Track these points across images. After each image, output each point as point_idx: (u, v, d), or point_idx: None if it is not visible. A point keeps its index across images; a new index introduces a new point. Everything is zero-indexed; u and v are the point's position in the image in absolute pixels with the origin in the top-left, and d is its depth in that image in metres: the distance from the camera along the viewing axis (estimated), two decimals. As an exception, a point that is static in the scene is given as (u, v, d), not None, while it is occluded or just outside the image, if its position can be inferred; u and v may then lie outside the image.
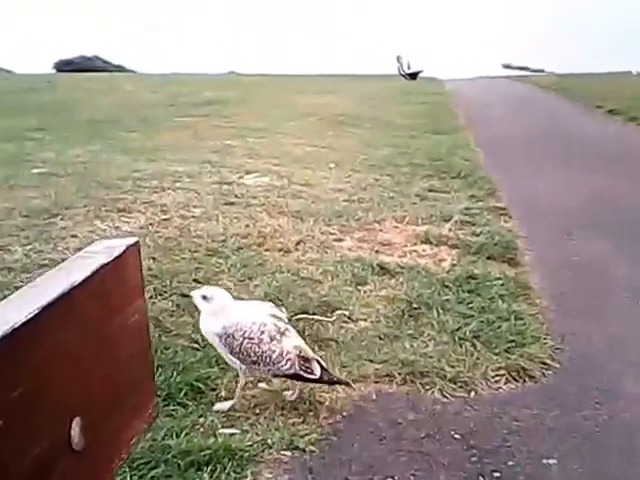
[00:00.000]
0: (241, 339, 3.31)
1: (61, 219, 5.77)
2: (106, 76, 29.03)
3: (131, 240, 1.61)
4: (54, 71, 38.37)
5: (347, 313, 4.21)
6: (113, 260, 1.41)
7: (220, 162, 8.29)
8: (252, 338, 3.32)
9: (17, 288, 3.86)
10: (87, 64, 40.81)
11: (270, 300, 4.32)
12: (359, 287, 4.59)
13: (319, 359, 3.39)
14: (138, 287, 1.63)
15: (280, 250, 5.23)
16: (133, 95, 18.31)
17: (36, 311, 1.07)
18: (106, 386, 1.28)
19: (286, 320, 3.54)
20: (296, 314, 4.16)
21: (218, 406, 3.30)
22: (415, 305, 4.29)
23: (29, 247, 5.14)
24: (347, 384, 3.47)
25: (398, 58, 29.93)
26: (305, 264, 4.98)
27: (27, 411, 1.03)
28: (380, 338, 3.90)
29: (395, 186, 7.33)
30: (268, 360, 3.33)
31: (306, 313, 4.20)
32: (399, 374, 3.50)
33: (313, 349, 3.75)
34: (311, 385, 3.36)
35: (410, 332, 3.97)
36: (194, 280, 4.62)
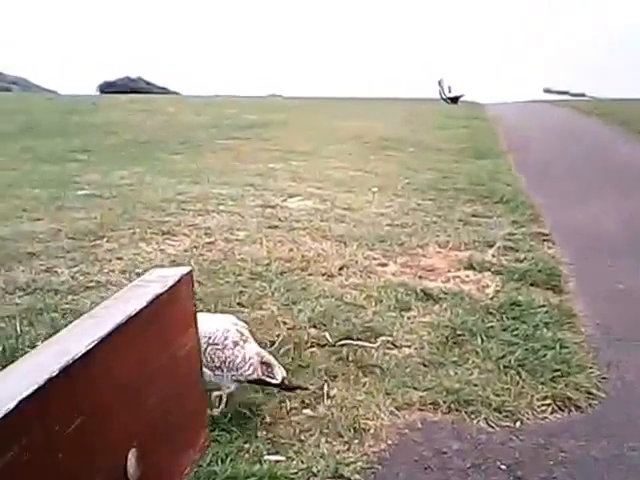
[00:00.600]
0: (205, 345, 3.40)
1: (107, 241, 5.86)
2: (149, 98, 29.52)
3: (185, 269, 1.62)
4: (98, 92, 39.10)
5: (391, 339, 4.19)
6: (168, 290, 1.42)
7: (263, 185, 8.35)
8: (217, 344, 3.43)
9: (63, 310, 3.93)
10: (131, 85, 41.59)
11: (314, 326, 4.34)
12: (403, 313, 4.57)
13: (280, 365, 3.48)
14: (191, 316, 1.64)
15: (324, 274, 5.23)
16: (176, 117, 18.57)
17: (94, 342, 1.08)
18: (161, 416, 1.29)
19: (247, 332, 3.60)
20: (340, 339, 4.15)
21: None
22: (459, 332, 4.25)
23: (75, 269, 5.22)
24: (305, 389, 3.58)
25: (439, 82, 29.90)
26: (349, 289, 4.97)
27: (85, 443, 1.04)
28: (424, 365, 3.87)
29: (438, 211, 7.29)
30: (232, 365, 3.42)
31: (350, 339, 4.19)
32: (444, 402, 3.46)
33: (357, 375, 3.76)
34: (355, 412, 3.34)
35: (454, 359, 3.93)
36: (238, 304, 4.65)
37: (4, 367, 2.87)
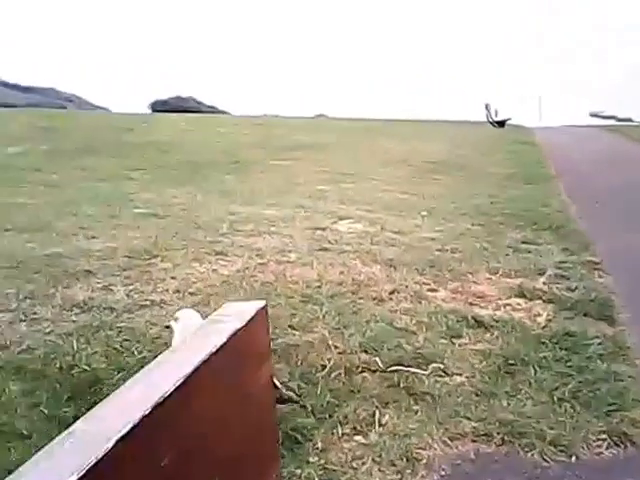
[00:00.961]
0: None
1: (161, 260, 5.97)
2: (200, 117, 29.98)
3: (260, 304, 1.67)
4: (149, 110, 39.74)
5: (442, 366, 4.18)
6: (246, 325, 1.47)
7: (313, 207, 8.42)
8: None
9: (119, 328, 4.01)
10: (182, 104, 42.21)
11: (365, 350, 4.36)
12: (454, 340, 4.55)
13: (275, 380, 3.40)
14: (267, 348, 1.69)
15: (374, 299, 5.25)
16: (227, 137, 18.81)
17: (181, 380, 1.13)
18: (240, 446, 1.34)
19: None
20: (391, 365, 4.16)
21: None
22: (511, 361, 4.22)
23: (131, 287, 5.33)
24: (297, 402, 3.63)
25: (486, 106, 29.75)
26: (399, 314, 4.98)
27: (177, 476, 1.09)
28: (476, 394, 3.85)
29: (487, 236, 7.26)
30: None
31: (401, 365, 4.19)
32: (497, 434, 3.44)
33: (408, 402, 3.77)
34: (407, 441, 3.35)
35: (507, 390, 3.90)
36: (289, 326, 4.69)
37: (61, 385, 2.97)
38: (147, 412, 1.03)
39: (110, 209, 8.08)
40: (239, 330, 1.44)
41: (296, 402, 3.62)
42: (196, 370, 1.20)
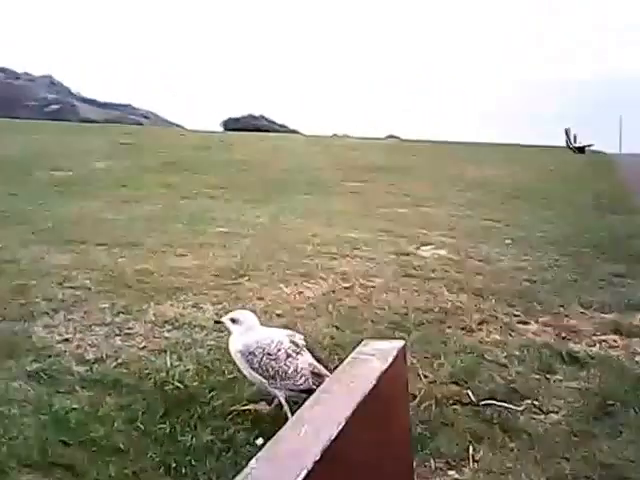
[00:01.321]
0: (260, 355, 3.81)
1: (247, 280, 6.03)
2: (274, 136, 30.35)
3: (399, 343, 1.65)
4: (222, 128, 40.39)
5: (537, 403, 4.08)
6: (389, 366, 1.45)
7: (395, 231, 8.38)
8: (270, 354, 3.80)
9: (209, 346, 4.03)
10: (253, 123, 42.80)
11: (455, 382, 4.29)
12: (548, 376, 4.43)
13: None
14: (406, 389, 1.67)
15: (463, 328, 5.17)
16: (301, 157, 18.93)
17: (342, 424, 1.12)
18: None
19: (303, 345, 3.90)
20: (483, 399, 4.08)
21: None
22: (609, 402, 4.07)
23: (219, 306, 5.39)
24: None
25: (567, 131, 29.16)
26: (489, 345, 4.89)
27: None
28: (574, 435, 3.73)
29: (577, 268, 7.07)
30: (284, 375, 3.78)
31: (493, 399, 4.11)
32: (599, 477, 3.32)
33: (503, 439, 3.68)
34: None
35: (607, 431, 3.76)
36: (377, 353, 4.66)
37: (155, 401, 2.99)
38: (317, 457, 1.03)
39: (194, 227, 8.22)
40: (385, 371, 1.42)
41: None
42: (353, 412, 1.19)
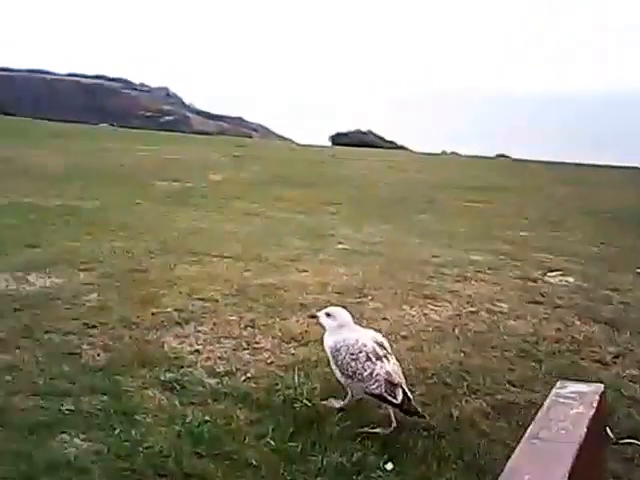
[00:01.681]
0: (344, 354, 3.99)
1: (370, 299, 5.98)
2: (384, 152, 30.25)
3: (599, 387, 1.58)
4: (329, 143, 40.55)
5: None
6: (596, 411, 1.39)
7: (518, 255, 8.12)
8: (352, 354, 3.96)
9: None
10: (362, 138, 42.79)
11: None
12: (692, 415, 4.18)
13: (406, 389, 3.90)
14: (604, 430, 1.60)
15: (597, 361, 4.95)
16: (414, 174, 18.75)
17: (566, 475, 1.06)
18: None
19: (389, 350, 4.09)
20: (623, 437, 3.87)
21: (332, 402, 4.17)
22: None
23: (344, 325, 5.37)
24: (422, 416, 3.92)
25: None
26: (626, 380, 4.66)
27: None
28: None
29: None
30: (360, 377, 3.92)
31: (634, 438, 3.89)
32: None
33: None
34: None
35: None
36: (508, 382, 4.53)
37: (284, 417, 2.96)
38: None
39: (314, 243, 8.26)
40: (592, 418, 1.34)
41: (422, 417, 3.93)
42: (573, 467, 1.13)
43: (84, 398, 4.04)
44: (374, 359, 3.93)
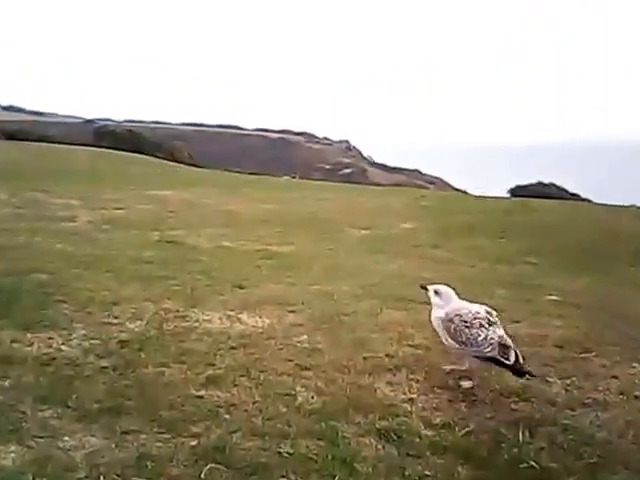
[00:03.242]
0: (457, 322, 4.42)
1: (595, 355, 5.49)
2: (568, 203, 28.60)
3: None
4: (509, 195, 39.33)
5: None
6: None
7: None
8: (466, 321, 4.38)
9: (564, 425, 3.60)
10: (542, 191, 41.21)
11: None
12: None
13: (517, 350, 4.37)
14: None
15: None
16: (606, 224, 17.36)
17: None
18: None
19: (497, 318, 4.50)
20: None
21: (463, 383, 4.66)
22: None
23: (567, 381, 4.96)
24: (533, 376, 4.46)
25: None
26: None
27: None
28: None
29: None
30: (474, 342, 4.35)
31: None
32: None
33: None
34: None
35: None
36: None
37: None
38: None
39: (521, 293, 7.84)
40: None
41: (533, 376, 4.50)
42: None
43: (302, 441, 3.93)
44: (487, 325, 4.37)
